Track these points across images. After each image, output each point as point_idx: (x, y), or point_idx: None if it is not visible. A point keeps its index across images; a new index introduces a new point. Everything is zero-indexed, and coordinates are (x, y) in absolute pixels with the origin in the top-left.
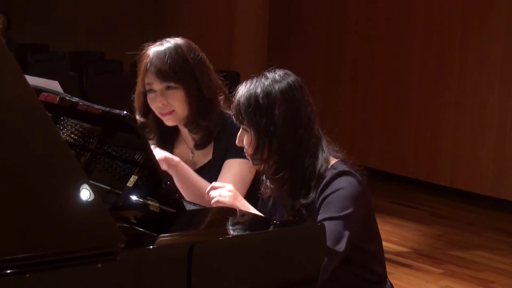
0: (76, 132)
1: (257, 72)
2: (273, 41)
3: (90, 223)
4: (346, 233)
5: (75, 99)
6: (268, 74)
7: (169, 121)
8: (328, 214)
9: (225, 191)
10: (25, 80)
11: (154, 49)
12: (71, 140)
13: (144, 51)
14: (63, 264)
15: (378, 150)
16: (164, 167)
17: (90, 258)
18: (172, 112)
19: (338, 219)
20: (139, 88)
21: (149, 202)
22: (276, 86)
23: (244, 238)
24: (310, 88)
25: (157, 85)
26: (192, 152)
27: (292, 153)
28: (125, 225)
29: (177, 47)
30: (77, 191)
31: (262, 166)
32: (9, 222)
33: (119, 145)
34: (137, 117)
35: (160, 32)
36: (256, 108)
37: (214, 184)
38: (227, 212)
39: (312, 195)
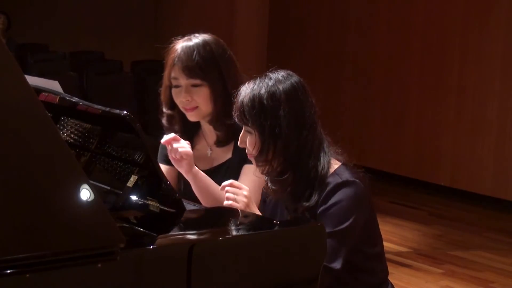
0: (76, 132)
1: (257, 72)
2: (273, 41)
3: (90, 223)
4: (343, 249)
5: (75, 99)
6: (271, 75)
7: (191, 117)
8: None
9: (241, 196)
10: (25, 80)
11: (182, 44)
12: (71, 140)
13: (172, 45)
14: (63, 264)
15: (378, 150)
16: (183, 168)
17: (90, 258)
18: (195, 108)
19: (335, 235)
20: (165, 82)
21: (149, 202)
22: (280, 87)
23: (244, 238)
24: (311, 88)
25: (183, 81)
26: (210, 149)
27: (297, 155)
28: (125, 225)
29: (205, 44)
30: (77, 191)
31: (266, 168)
32: (9, 222)
33: (119, 145)
34: (164, 109)
35: (160, 32)
36: (261, 109)
37: (234, 182)
38: (227, 212)
39: (314, 198)
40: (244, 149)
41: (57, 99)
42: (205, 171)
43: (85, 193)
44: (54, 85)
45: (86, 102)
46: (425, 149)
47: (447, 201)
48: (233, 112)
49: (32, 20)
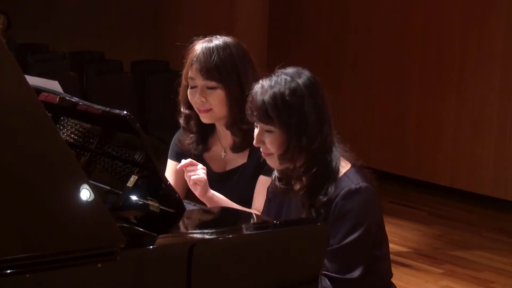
0: (76, 132)
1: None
2: (273, 41)
3: (90, 223)
4: (358, 258)
5: (75, 99)
6: (285, 71)
7: (204, 118)
8: (337, 241)
9: (201, 171)
10: (25, 80)
11: (202, 45)
12: (71, 140)
13: (192, 45)
14: (63, 264)
15: (378, 150)
16: (197, 192)
17: (90, 258)
18: (209, 110)
19: (350, 245)
20: (183, 81)
21: (149, 202)
22: (300, 82)
23: (244, 238)
24: None
25: (199, 81)
26: (224, 151)
27: (319, 150)
28: (125, 225)
29: (226, 46)
30: (77, 191)
31: (290, 166)
32: (9, 222)
33: (119, 145)
34: (181, 109)
35: (160, 32)
36: (285, 106)
37: (192, 161)
38: (227, 212)
39: (331, 191)
40: (260, 157)
41: (57, 99)
42: (219, 174)
43: (85, 193)
44: (54, 85)
45: (86, 102)
46: (425, 149)
47: (447, 201)
48: (248, 112)
49: (32, 20)
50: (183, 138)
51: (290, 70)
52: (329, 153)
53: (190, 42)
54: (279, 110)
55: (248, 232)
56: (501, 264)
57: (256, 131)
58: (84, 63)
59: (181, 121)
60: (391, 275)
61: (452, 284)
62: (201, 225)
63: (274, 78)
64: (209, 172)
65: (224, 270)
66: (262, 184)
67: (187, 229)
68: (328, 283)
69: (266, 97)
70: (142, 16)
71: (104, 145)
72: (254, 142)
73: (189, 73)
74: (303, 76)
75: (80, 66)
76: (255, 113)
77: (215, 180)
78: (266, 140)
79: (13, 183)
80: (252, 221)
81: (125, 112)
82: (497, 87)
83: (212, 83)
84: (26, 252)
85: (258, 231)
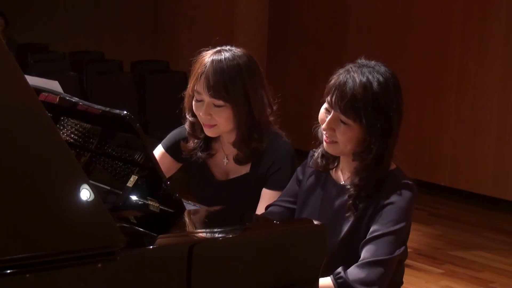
0: (76, 132)
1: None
2: (273, 41)
3: (90, 223)
4: (396, 250)
5: (75, 99)
6: (369, 63)
7: (209, 133)
8: (383, 228)
9: None
10: (25, 80)
11: (212, 58)
12: (71, 140)
13: (201, 57)
14: (63, 264)
15: None
16: None
17: (90, 258)
18: (214, 125)
19: (392, 234)
20: (189, 91)
21: (149, 202)
22: (390, 83)
23: (244, 238)
24: (311, 88)
25: (206, 98)
26: (227, 159)
27: (392, 149)
28: (125, 225)
29: (236, 65)
30: (77, 191)
31: (360, 161)
32: (9, 222)
33: (119, 145)
34: (187, 116)
35: (160, 33)
36: (375, 108)
37: None
38: (227, 212)
39: (378, 185)
40: (263, 167)
41: (57, 99)
42: (222, 182)
43: (85, 193)
44: (54, 85)
45: (86, 102)
46: (425, 149)
47: (447, 201)
48: (333, 98)
49: (32, 20)
50: (187, 141)
51: (373, 62)
52: (391, 155)
53: (198, 53)
54: (369, 108)
55: (248, 232)
56: (501, 264)
57: (328, 116)
58: (84, 63)
59: (187, 127)
60: (402, 283)
61: (452, 284)
62: (201, 225)
63: (363, 69)
64: (212, 180)
65: (224, 270)
66: (265, 197)
67: (187, 229)
68: (359, 271)
69: (358, 90)
70: (142, 16)
71: (104, 145)
72: (324, 126)
73: (196, 86)
74: (388, 71)
75: (80, 66)
76: (342, 105)
77: (219, 188)
78: (339, 131)
79: (13, 183)
80: (252, 221)
81: (125, 112)
82: (497, 87)
83: (219, 102)
84: (26, 252)
85: (258, 231)
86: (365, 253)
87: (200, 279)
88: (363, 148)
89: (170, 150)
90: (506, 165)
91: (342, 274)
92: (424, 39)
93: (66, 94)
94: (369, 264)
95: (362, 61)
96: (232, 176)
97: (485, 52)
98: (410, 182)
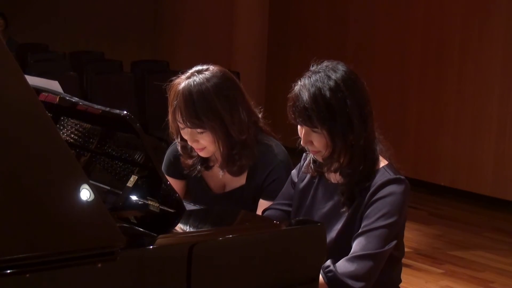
0: (76, 132)
1: (258, 71)
2: (273, 41)
3: (90, 223)
4: (391, 239)
5: (75, 99)
6: (322, 67)
7: (202, 154)
8: (373, 222)
9: None
10: (25, 80)
11: (183, 86)
12: (71, 140)
13: (174, 85)
14: (63, 264)
15: None
16: None
17: (90, 258)
18: (203, 148)
19: (383, 227)
20: (170, 117)
21: (149, 202)
22: (339, 80)
23: (244, 238)
24: None
25: (187, 128)
26: (223, 172)
27: (365, 147)
28: (125, 225)
29: (205, 92)
30: (77, 191)
31: (335, 164)
32: (9, 222)
33: (119, 145)
34: (176, 140)
35: (160, 33)
36: (328, 110)
37: None
38: (227, 212)
39: (369, 181)
40: (258, 178)
41: (57, 99)
42: (218, 195)
43: (85, 193)
44: (54, 85)
45: (86, 102)
46: (425, 149)
47: (447, 201)
48: (292, 115)
49: (32, 20)
50: (184, 159)
51: (325, 65)
52: (373, 148)
53: (169, 81)
54: (323, 115)
55: (248, 232)
56: (501, 264)
57: (302, 131)
58: (84, 63)
59: (179, 149)
60: (400, 281)
61: (452, 284)
62: (201, 225)
63: (313, 78)
64: (209, 193)
65: (224, 270)
66: (262, 208)
67: (187, 229)
68: (350, 264)
69: (308, 102)
70: (142, 17)
71: (104, 145)
72: (302, 142)
73: (176, 116)
74: (340, 70)
75: (80, 66)
76: (299, 118)
77: (215, 201)
78: (315, 140)
79: (13, 183)
80: (252, 221)
81: (125, 112)
82: (497, 87)
83: (199, 129)
84: (26, 252)
85: (258, 231)
86: (355, 247)
87: (200, 279)
88: (332, 149)
89: (171, 172)
90: (506, 165)
91: (331, 267)
92: (424, 39)
93: (66, 94)
94: (358, 258)
95: (314, 68)
96: (228, 189)
97: (485, 52)
98: (401, 177)
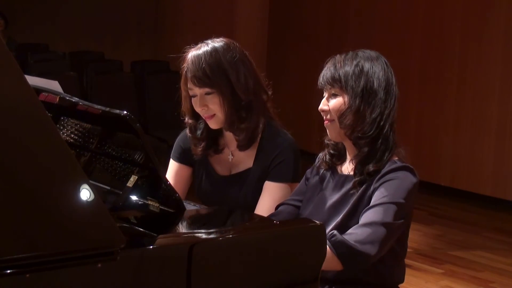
0: (76, 132)
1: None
2: (273, 41)
3: (90, 223)
4: (399, 216)
5: (75, 99)
6: (361, 52)
7: (211, 124)
8: (381, 199)
9: None
10: (25, 80)
11: (192, 54)
12: (71, 140)
13: (184, 54)
14: (63, 264)
15: None
16: None
17: (90, 258)
18: (213, 116)
19: (392, 203)
20: (182, 92)
21: (149, 202)
22: (383, 63)
23: (244, 238)
24: (311, 88)
25: (197, 90)
26: (232, 155)
27: (384, 118)
28: (125, 225)
29: (212, 51)
30: (77, 191)
31: (351, 131)
32: (9, 222)
33: (119, 145)
34: (187, 119)
35: (160, 33)
36: (358, 74)
37: None
38: (227, 212)
39: (382, 163)
40: (265, 161)
41: (57, 99)
42: (224, 177)
43: (85, 193)
44: (54, 85)
45: (86, 102)
46: (425, 149)
47: (447, 201)
48: (320, 79)
49: (32, 20)
50: (193, 144)
51: (367, 51)
52: (390, 131)
53: (182, 52)
54: (351, 75)
55: (248, 232)
56: (501, 264)
57: (324, 98)
58: (84, 63)
59: (188, 131)
60: (402, 280)
61: (452, 284)
62: (201, 225)
63: (350, 53)
64: (214, 175)
65: (224, 270)
66: (268, 189)
67: (187, 229)
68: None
69: (340, 63)
70: (142, 16)
71: (104, 145)
72: (320, 107)
73: (187, 84)
74: (379, 59)
75: (80, 66)
76: (328, 78)
77: (220, 183)
78: (332, 105)
79: (13, 183)
80: (252, 221)
81: (125, 112)
82: (497, 87)
83: (207, 89)
84: (26, 252)
85: (258, 231)
86: (363, 219)
87: (200, 279)
88: (354, 112)
89: (182, 158)
90: (506, 165)
91: (334, 232)
92: (424, 38)
93: (66, 94)
94: (364, 225)
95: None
96: (235, 171)
97: (486, 52)
98: (412, 167)
